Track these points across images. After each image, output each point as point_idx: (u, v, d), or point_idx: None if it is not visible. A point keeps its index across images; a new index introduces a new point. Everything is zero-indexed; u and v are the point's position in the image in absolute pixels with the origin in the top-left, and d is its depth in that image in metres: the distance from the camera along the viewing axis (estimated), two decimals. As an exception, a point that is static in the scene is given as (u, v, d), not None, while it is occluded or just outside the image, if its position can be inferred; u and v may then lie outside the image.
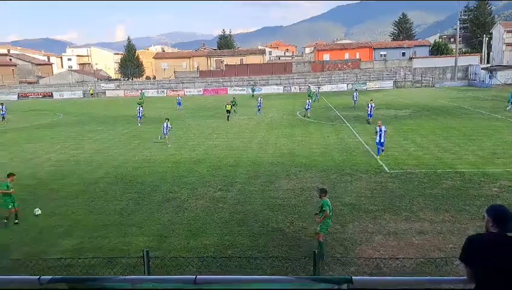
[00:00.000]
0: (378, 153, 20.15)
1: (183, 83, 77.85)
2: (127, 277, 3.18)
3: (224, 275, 3.27)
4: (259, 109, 39.36)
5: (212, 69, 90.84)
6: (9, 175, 13.63)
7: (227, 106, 36.46)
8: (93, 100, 68.76)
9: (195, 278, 3.05)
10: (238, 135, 28.34)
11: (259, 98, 41.10)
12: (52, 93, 76.72)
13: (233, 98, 39.94)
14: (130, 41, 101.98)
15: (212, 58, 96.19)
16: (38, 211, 13.74)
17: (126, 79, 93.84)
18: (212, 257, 10.02)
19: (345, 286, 3.21)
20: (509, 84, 59.59)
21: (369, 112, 31.00)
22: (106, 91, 77.12)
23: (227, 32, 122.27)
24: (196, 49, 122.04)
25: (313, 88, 57.32)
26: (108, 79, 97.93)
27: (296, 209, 13.66)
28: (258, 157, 21.44)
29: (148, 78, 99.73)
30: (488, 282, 3.36)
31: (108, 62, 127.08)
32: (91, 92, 74.50)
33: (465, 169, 17.49)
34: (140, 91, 68.08)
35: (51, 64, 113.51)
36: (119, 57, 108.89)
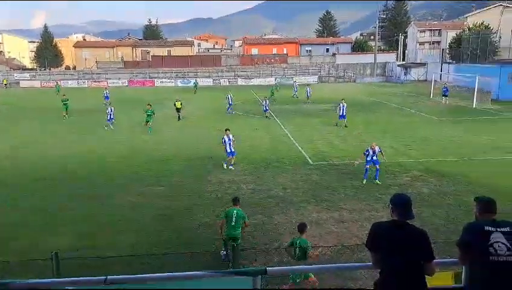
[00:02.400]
0: (365, 176, 15.61)
1: (107, 73, 74.44)
2: (29, 280, 2.99)
3: (144, 273, 3.20)
4: (230, 106, 34.94)
5: (137, 60, 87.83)
6: None
7: (176, 103, 31.66)
8: (6, 91, 63.31)
9: (106, 278, 2.95)
10: (167, 130, 27.74)
11: (228, 95, 35.40)
12: (-44, 83, 69.48)
13: (149, 105, 27.34)
14: (46, 29, 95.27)
15: (137, 49, 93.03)
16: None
17: (43, 69, 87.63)
18: (134, 255, 9.73)
19: (259, 277, 3.29)
20: (421, 80, 64.42)
21: (341, 113, 27.06)
22: (20, 81, 71.40)
23: (153, 22, 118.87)
24: (120, 39, 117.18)
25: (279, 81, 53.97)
26: (23, 68, 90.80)
27: (223, 202, 13.70)
28: (187, 151, 21.18)
29: (67, 68, 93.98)
30: (388, 266, 3.64)
31: (22, 50, 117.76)
32: (4, 82, 68.45)
33: (382, 160, 18.63)
34: (55, 82, 62.64)
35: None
36: (36, 45, 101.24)
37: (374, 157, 15.56)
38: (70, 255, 9.51)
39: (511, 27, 54.78)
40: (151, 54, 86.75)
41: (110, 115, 28.13)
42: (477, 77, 37.41)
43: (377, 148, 15.66)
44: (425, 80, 61.73)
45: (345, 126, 26.96)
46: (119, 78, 72.11)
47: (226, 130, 18.39)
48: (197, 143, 23.18)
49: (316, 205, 13.25)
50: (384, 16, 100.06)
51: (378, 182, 15.37)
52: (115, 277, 2.96)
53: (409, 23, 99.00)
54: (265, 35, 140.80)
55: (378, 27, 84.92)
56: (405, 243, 3.64)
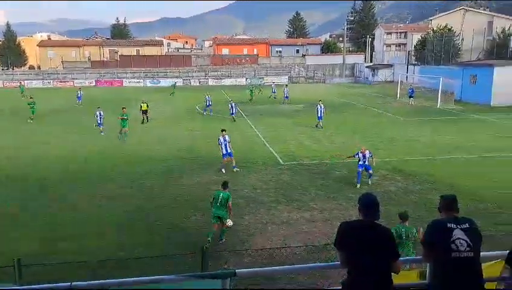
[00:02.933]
0: (358, 181, 15.29)
1: (73, 73, 72.55)
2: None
3: (108, 278, 3.13)
4: (208, 107, 34.15)
5: (105, 59, 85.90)
6: None
7: (142, 105, 30.18)
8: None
9: (71, 284, 2.88)
10: (137, 131, 27.29)
11: (207, 96, 34.67)
12: None
13: (124, 108, 25.09)
14: (9, 27, 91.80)
15: (105, 48, 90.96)
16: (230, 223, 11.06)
17: (5, 68, 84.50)
18: (101, 260, 9.52)
19: (228, 279, 3.29)
20: (389, 81, 65.92)
21: (319, 115, 26.99)
22: (-19, 81, 68.63)
23: (121, 21, 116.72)
24: (87, 38, 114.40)
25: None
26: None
27: (194, 203, 13.59)
28: (158, 152, 20.93)
29: (31, 67, 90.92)
30: (357, 265, 3.71)
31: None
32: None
33: (352, 160, 18.94)
34: (19, 83, 60.10)
35: None
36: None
37: (366, 163, 15.40)
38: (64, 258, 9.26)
39: (472, 30, 56.87)
40: (119, 53, 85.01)
41: (100, 119, 25.84)
42: (441, 78, 38.62)
43: (367, 153, 15.41)
44: (392, 81, 63.18)
45: (316, 126, 27.06)
46: (86, 78, 70.44)
47: (222, 131, 17.82)
48: (163, 144, 22.92)
49: (287, 205, 13.34)
50: (352, 18, 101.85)
51: (371, 183, 15.44)
52: (81, 282, 2.90)
53: (376, 26, 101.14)
54: (236, 35, 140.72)
55: (347, 29, 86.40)
56: (373, 242, 3.72)
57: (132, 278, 3.01)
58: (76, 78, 69.84)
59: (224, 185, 10.86)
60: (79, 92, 41.12)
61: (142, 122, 29.87)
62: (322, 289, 8.06)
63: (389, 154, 19.96)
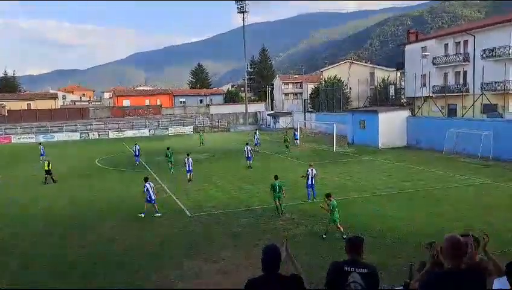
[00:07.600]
0: (309, 197, 19.57)
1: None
2: None
3: None
4: (137, 156, 33.52)
5: (-10, 114, 78.37)
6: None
7: (49, 163, 27.38)
8: None
9: None
10: (24, 189, 24.88)
11: (136, 146, 33.75)
12: None
13: (167, 148, 29.56)
14: None
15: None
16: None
17: None
18: None
19: None
20: (289, 128, 69.41)
21: (247, 156, 30.62)
22: None
23: (10, 74, 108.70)
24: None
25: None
26: None
27: (95, 268, 12.52)
28: (51, 211, 19.17)
29: None
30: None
31: None
32: None
33: (258, 206, 19.25)
34: None
35: None
36: None
37: (313, 182, 19.24)
38: None
39: (357, 80, 63.06)
40: (7, 108, 78.39)
41: (188, 166, 26.12)
42: (334, 124, 41.69)
43: (314, 170, 19.35)
44: (292, 127, 66.54)
45: (250, 167, 29.85)
46: (-33, 136, 63.42)
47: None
48: (56, 202, 21.16)
49: (196, 258, 12.89)
50: (252, 70, 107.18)
51: (309, 200, 19.39)
52: None
53: (275, 76, 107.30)
54: (137, 86, 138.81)
55: (247, 79, 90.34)
56: None
57: None
58: (-46, 136, 62.54)
59: (276, 177, 17.48)
60: (41, 146, 38.40)
61: (48, 181, 26.61)
62: None
63: (292, 198, 20.53)
